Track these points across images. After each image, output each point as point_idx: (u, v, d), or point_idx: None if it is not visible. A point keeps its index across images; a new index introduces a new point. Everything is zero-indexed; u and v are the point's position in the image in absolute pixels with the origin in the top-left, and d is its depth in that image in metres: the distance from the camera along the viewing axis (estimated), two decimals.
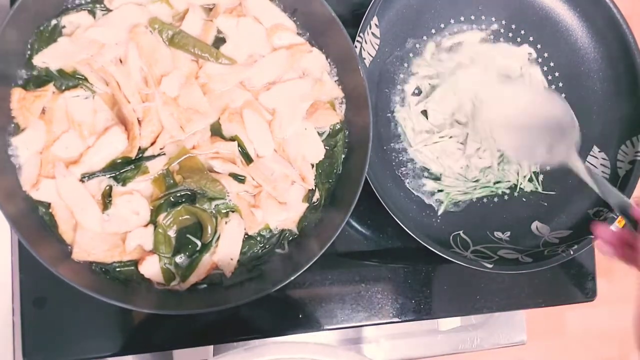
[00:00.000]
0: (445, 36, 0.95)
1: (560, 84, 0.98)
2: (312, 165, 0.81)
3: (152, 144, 0.74)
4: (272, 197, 0.78)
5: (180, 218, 0.75)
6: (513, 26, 0.97)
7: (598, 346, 2.05)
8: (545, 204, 0.96)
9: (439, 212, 0.92)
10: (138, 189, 0.74)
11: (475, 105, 0.93)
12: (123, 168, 0.73)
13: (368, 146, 0.77)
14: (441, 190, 0.93)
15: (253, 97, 0.79)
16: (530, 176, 0.96)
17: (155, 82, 0.75)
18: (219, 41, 0.79)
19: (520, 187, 0.95)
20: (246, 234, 0.77)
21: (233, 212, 0.77)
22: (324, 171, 0.82)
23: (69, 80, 0.74)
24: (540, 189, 0.96)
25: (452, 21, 0.95)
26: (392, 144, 0.92)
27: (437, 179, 0.93)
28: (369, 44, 0.87)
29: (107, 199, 0.73)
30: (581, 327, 2.03)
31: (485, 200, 0.95)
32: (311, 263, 0.73)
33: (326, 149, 0.81)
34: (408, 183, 0.92)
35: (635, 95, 0.95)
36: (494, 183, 0.95)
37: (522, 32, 0.97)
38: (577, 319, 2.02)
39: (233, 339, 0.86)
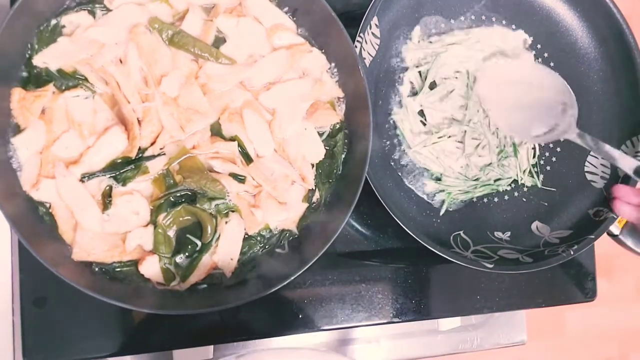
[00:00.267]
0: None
1: None
2: (312, 165, 0.81)
3: (152, 144, 0.74)
4: (272, 197, 0.78)
5: (180, 218, 0.75)
6: (513, 26, 0.97)
7: (598, 346, 2.06)
8: (546, 203, 0.96)
9: (441, 212, 0.92)
10: (138, 189, 0.74)
11: (469, 86, 0.92)
12: (123, 168, 0.73)
13: (368, 146, 0.77)
14: (442, 191, 0.93)
15: (253, 97, 0.79)
16: (530, 171, 0.96)
17: (155, 82, 0.75)
18: (219, 41, 0.79)
19: (521, 183, 0.95)
20: (246, 234, 0.77)
21: (233, 212, 0.77)
22: (324, 171, 0.82)
23: (69, 80, 0.74)
24: (539, 184, 0.96)
25: (452, 21, 0.95)
26: (391, 145, 0.92)
27: (437, 179, 0.93)
28: (369, 44, 0.87)
29: (107, 199, 0.73)
30: (581, 327, 2.03)
31: (485, 200, 0.95)
32: (311, 263, 0.73)
33: (326, 149, 0.81)
34: (408, 183, 0.92)
35: (635, 95, 0.95)
36: (495, 180, 0.95)
37: (522, 32, 0.97)
38: (577, 319, 2.03)
39: (233, 339, 0.86)
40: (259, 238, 0.79)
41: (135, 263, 0.74)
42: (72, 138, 0.73)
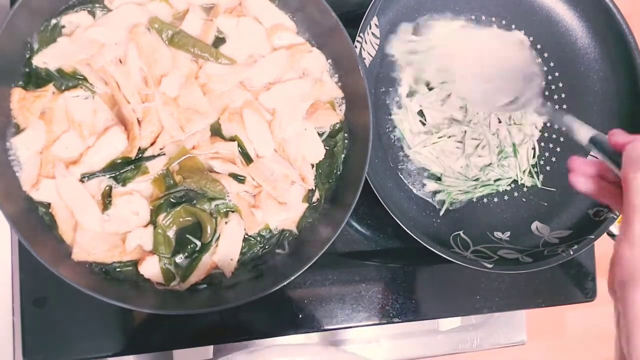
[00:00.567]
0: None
1: (560, 84, 0.98)
2: (312, 165, 0.81)
3: (152, 144, 0.74)
4: (272, 197, 0.78)
5: (180, 218, 0.75)
6: (513, 26, 0.97)
7: (598, 346, 2.05)
8: (545, 204, 0.96)
9: (441, 213, 0.92)
10: (138, 189, 0.74)
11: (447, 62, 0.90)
12: (123, 168, 0.73)
13: (368, 146, 0.77)
14: (442, 191, 0.93)
15: (253, 97, 0.79)
16: (530, 171, 0.96)
17: (155, 82, 0.75)
18: (219, 41, 0.79)
19: (520, 183, 0.95)
20: (246, 234, 0.77)
21: (233, 212, 0.77)
22: (324, 171, 0.82)
23: (68, 80, 0.74)
24: (539, 184, 0.96)
25: (451, 21, 0.95)
26: (391, 145, 0.92)
27: (437, 179, 0.93)
28: (369, 44, 0.87)
29: (107, 199, 0.73)
30: (581, 327, 2.03)
31: (485, 200, 0.95)
32: (311, 263, 0.73)
33: (326, 149, 0.81)
34: (408, 183, 0.92)
35: (635, 95, 0.95)
36: (495, 181, 0.95)
37: (522, 32, 0.97)
38: (577, 319, 2.03)
39: (233, 339, 0.86)
40: (258, 238, 0.79)
41: (135, 263, 0.74)
42: (72, 138, 0.72)
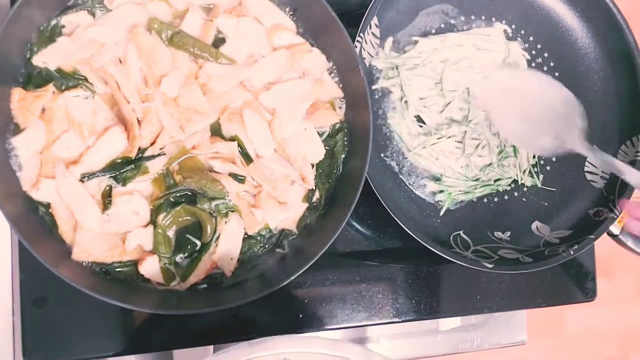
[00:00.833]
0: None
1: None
2: (312, 165, 0.81)
3: (152, 144, 0.74)
4: (272, 197, 0.78)
5: (180, 218, 0.75)
6: (513, 26, 0.97)
7: (598, 346, 2.06)
8: (546, 203, 0.96)
9: (441, 213, 0.92)
10: (138, 189, 0.74)
11: (467, 101, 0.92)
12: (123, 168, 0.73)
13: (368, 146, 0.77)
14: (442, 191, 0.93)
15: (253, 97, 0.79)
16: (530, 170, 0.96)
17: (155, 82, 0.75)
18: (219, 41, 0.79)
19: (521, 183, 0.95)
20: (246, 233, 0.77)
21: (233, 212, 0.77)
22: (324, 171, 0.82)
23: (68, 80, 0.74)
24: (539, 184, 0.96)
25: (452, 22, 0.95)
26: (391, 145, 0.92)
27: (437, 179, 0.93)
28: (369, 44, 0.87)
29: (107, 199, 0.73)
30: (581, 327, 2.03)
31: (485, 200, 0.95)
32: (311, 263, 0.73)
33: (326, 149, 0.81)
34: (408, 183, 0.92)
35: (635, 95, 0.95)
36: (495, 181, 0.95)
37: (522, 32, 0.97)
38: (577, 319, 2.03)
39: (233, 339, 0.86)
40: (258, 238, 0.79)
41: (135, 263, 0.74)
42: (72, 138, 0.72)
